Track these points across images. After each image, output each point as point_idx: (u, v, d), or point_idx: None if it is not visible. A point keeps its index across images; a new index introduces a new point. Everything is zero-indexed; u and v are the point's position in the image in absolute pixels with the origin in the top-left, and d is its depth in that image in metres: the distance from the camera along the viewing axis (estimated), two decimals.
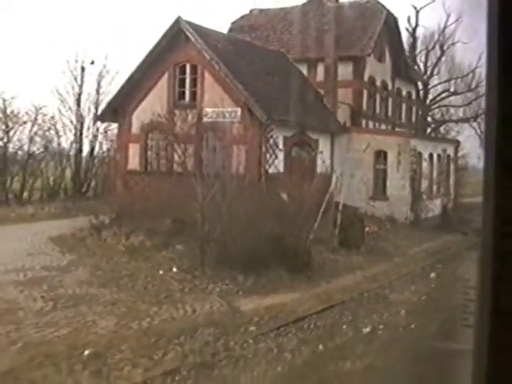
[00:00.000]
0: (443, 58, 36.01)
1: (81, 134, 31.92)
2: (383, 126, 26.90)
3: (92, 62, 31.47)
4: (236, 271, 12.14)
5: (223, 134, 18.82)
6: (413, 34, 33.75)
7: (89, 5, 47.57)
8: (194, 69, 19.43)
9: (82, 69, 31.41)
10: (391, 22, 27.16)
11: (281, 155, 19.51)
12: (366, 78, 25.46)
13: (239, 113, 18.70)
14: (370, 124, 25.86)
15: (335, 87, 23.29)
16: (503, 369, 1.39)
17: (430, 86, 35.75)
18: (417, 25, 33.82)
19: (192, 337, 8.29)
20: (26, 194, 30.13)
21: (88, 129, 32.05)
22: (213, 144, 19.11)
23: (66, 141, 32.19)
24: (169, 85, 19.70)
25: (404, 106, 30.04)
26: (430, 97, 36.10)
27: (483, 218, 1.46)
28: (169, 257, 14.29)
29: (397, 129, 27.80)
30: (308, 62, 25.18)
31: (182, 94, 19.71)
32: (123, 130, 20.45)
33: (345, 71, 24.53)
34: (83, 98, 31.50)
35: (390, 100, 28.09)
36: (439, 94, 36.54)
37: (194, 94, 19.47)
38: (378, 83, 26.72)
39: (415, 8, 33.37)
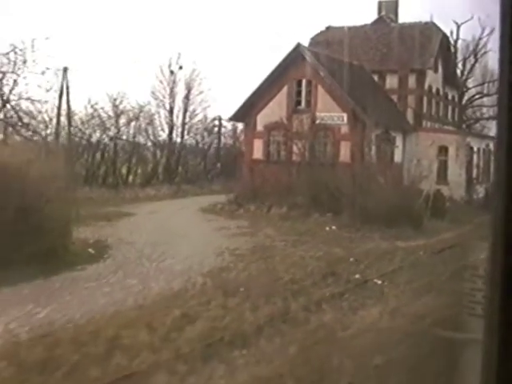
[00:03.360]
0: (477, 65, 42.12)
1: (172, 128, 38.33)
2: (437, 125, 33.10)
3: (180, 67, 37.80)
4: (380, 228, 18.40)
5: (332, 133, 25.09)
6: (454, 46, 39.80)
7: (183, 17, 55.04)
8: (309, 83, 25.64)
9: (171, 72, 37.72)
10: (444, 40, 33.32)
11: (373, 149, 25.73)
12: (425, 87, 31.63)
13: (345, 117, 24.95)
14: (428, 124, 32.07)
15: (406, 94, 29.53)
16: None
17: (465, 89, 41.85)
18: (457, 38, 39.88)
19: (393, 254, 14.57)
20: (130, 179, 36.55)
21: (180, 125, 38.56)
22: (324, 141, 25.38)
23: (161, 134, 38.60)
24: (288, 94, 25.93)
25: (450, 108, 36.27)
26: (466, 98, 42.22)
27: (494, 205, 1.46)
28: (319, 220, 20.52)
29: (445, 127, 33.99)
30: (378, 73, 31.32)
31: (299, 102, 25.94)
32: (249, 129, 26.72)
33: (409, 81, 30.72)
34: (176, 98, 37.97)
35: (441, 103, 34.30)
36: (473, 96, 42.67)
37: (308, 102, 25.69)
38: (434, 90, 32.89)
39: (457, 23, 39.40)
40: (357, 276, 11.97)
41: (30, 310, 8.85)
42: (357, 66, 29.96)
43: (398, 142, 28.11)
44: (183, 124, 38.64)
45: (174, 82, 38.15)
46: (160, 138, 38.79)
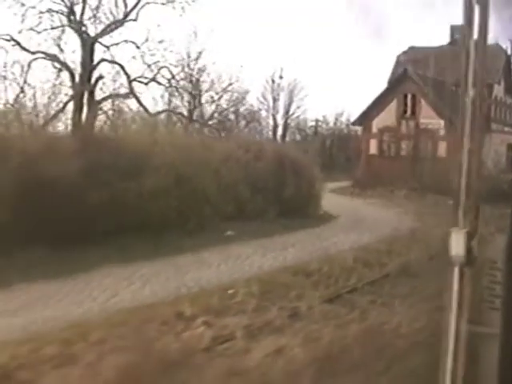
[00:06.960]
0: None
1: (275, 129, 47.33)
2: (499, 127, 41.43)
3: (281, 77, 46.57)
4: (485, 203, 26.81)
5: (432, 135, 33.63)
6: (508, 60, 48.04)
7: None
8: (413, 96, 34.16)
9: (273, 81, 46.56)
10: (506, 58, 41.65)
11: None
12: (493, 97, 39.94)
13: (442, 123, 33.44)
14: (494, 126, 40.42)
15: (482, 104, 37.85)
16: None
17: None
18: None
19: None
20: None
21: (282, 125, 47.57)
22: (425, 141, 33.92)
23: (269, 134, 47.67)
24: (397, 105, 34.48)
25: (508, 112, 44.60)
26: None
27: None
28: (435, 198, 28.86)
29: (506, 128, 42.35)
30: (455, 87, 39.67)
31: (405, 111, 34.49)
32: (367, 131, 35.36)
33: None
34: (279, 103, 46.92)
35: (503, 109, 42.65)
36: None
37: (413, 111, 34.23)
38: (498, 99, 41.22)
39: (510, 41, 47.60)
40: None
41: (352, 237, 17.53)
42: (442, 81, 38.39)
43: None
44: (285, 125, 47.67)
45: (278, 89, 47.03)
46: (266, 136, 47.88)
